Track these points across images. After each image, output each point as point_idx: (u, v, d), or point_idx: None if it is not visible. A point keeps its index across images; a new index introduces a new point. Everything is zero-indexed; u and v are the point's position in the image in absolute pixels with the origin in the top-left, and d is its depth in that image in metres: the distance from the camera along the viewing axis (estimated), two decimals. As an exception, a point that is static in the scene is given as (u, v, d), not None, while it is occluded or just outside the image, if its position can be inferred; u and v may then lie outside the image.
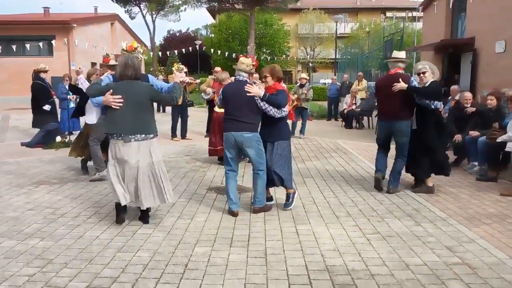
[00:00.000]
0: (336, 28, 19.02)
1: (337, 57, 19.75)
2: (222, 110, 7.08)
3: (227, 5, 32.95)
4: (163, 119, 12.91)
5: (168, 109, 15.20)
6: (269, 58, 35.97)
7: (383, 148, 5.75)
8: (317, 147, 9.41)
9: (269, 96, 4.46)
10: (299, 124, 10.81)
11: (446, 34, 14.48)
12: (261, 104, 4.48)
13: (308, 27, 41.78)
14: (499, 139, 6.12)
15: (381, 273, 3.20)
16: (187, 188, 5.78)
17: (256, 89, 4.44)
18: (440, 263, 3.38)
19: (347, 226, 4.29)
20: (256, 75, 8.23)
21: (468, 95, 7.49)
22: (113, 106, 3.99)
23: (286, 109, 4.66)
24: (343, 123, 13.73)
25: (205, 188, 5.82)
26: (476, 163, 6.79)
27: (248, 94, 4.43)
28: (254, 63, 4.71)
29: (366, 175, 6.57)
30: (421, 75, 5.44)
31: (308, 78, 11.23)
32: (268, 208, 4.77)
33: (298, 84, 11.45)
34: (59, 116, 9.35)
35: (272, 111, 4.50)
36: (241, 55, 4.98)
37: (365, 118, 13.40)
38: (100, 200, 5.12)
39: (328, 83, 29.22)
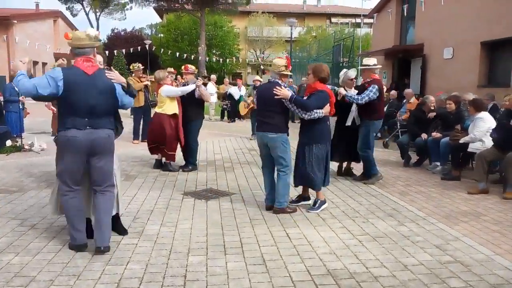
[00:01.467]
0: (291, 32, 19.27)
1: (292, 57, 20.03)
2: (161, 110, 6.80)
3: (176, 5, 32.43)
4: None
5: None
6: (220, 60, 35.82)
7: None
8: (282, 149, 9.43)
9: (295, 98, 4.54)
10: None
11: (396, 40, 15.18)
12: (290, 106, 4.57)
13: (258, 30, 42.12)
14: (461, 140, 6.47)
15: (383, 275, 3.23)
16: (161, 194, 5.53)
17: (284, 91, 4.47)
18: (434, 262, 3.47)
19: (335, 228, 4.31)
20: (213, 77, 8.00)
21: (433, 98, 7.85)
22: None
23: (321, 111, 4.62)
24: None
25: (180, 193, 5.60)
26: (438, 163, 7.13)
27: (276, 97, 4.46)
28: (286, 64, 4.66)
29: (338, 176, 6.66)
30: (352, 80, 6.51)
31: (262, 80, 11.31)
32: (290, 210, 4.76)
33: (252, 86, 11.52)
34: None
35: (300, 113, 4.62)
36: (275, 59, 4.85)
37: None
38: (71, 209, 4.76)
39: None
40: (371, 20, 45.88)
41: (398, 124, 9.69)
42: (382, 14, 16.02)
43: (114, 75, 3.51)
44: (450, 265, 3.41)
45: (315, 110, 4.60)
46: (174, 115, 6.83)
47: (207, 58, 34.04)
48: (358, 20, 46.41)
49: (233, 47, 40.08)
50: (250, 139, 10.74)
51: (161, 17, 47.77)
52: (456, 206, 5.12)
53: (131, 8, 41.77)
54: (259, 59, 42.54)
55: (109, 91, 3.49)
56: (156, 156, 7.15)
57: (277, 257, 3.54)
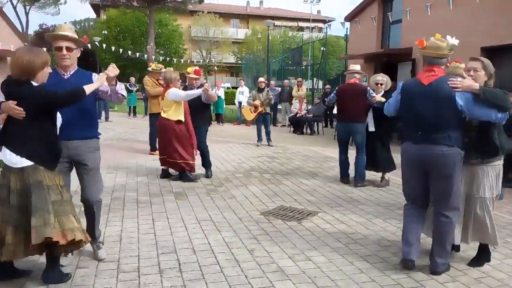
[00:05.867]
0: (268, 33, 18.66)
1: (269, 61, 19.40)
2: (166, 115, 5.94)
3: (122, 1, 30.41)
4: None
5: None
6: (168, 59, 34.25)
7: (343, 146, 6.39)
8: (303, 155, 8.80)
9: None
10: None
11: (378, 45, 15.20)
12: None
13: (204, 30, 41.04)
14: None
15: None
16: (239, 215, 4.64)
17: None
18: None
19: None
20: (207, 83, 6.67)
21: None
22: None
23: None
24: (291, 129, 13.40)
25: (257, 213, 4.76)
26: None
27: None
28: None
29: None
30: (379, 85, 6.06)
31: (266, 81, 10.48)
32: None
33: (256, 89, 10.59)
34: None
35: None
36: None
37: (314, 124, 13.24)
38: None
39: (226, 86, 29.09)
40: (320, 25, 46.62)
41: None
42: (361, 18, 15.98)
43: (457, 82, 3.06)
44: None
45: None
46: (179, 121, 6.02)
47: (154, 58, 32.33)
48: (301, 24, 47.51)
49: (178, 46, 38.64)
50: (257, 145, 9.96)
51: (97, 13, 44.75)
52: None
53: (65, 2, 38.33)
54: (208, 59, 41.55)
55: (447, 100, 3.09)
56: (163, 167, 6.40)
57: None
